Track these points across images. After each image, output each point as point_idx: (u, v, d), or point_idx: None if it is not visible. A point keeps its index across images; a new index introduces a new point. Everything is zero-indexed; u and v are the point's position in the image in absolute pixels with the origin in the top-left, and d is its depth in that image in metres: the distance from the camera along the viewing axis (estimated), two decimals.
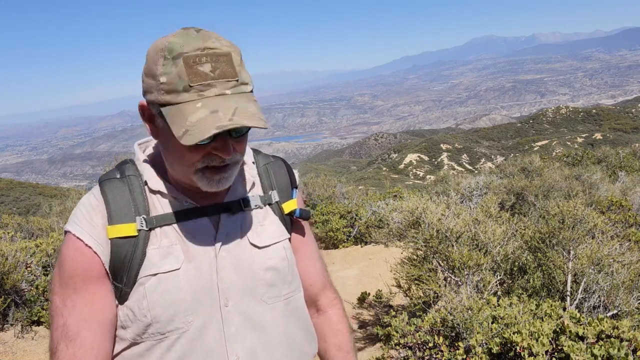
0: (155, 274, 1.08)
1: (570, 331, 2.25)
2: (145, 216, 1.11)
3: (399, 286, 4.62)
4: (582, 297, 3.55)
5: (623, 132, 72.58)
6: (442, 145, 77.52)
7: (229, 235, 1.16)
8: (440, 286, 3.83)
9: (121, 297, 1.10)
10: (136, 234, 1.09)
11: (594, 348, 2.10)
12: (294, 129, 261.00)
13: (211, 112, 0.97)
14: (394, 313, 3.47)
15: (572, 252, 3.78)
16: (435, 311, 3.20)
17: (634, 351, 2.12)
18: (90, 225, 1.09)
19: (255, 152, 1.35)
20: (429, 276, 4.09)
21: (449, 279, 4.00)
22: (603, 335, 2.22)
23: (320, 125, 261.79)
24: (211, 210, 1.17)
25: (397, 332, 2.99)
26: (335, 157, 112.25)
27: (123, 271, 1.09)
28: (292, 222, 1.30)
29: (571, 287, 3.65)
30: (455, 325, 2.86)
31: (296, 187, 1.33)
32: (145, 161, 1.19)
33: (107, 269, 1.09)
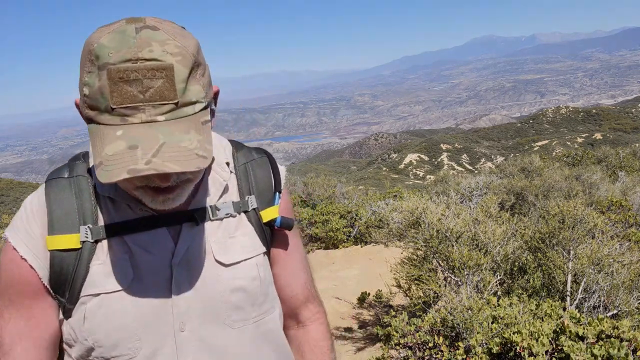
0: (98, 294, 0.95)
1: (570, 331, 2.25)
2: (90, 226, 0.96)
3: (399, 286, 4.62)
4: (582, 297, 3.55)
5: (623, 132, 72.57)
6: (442, 145, 77.52)
7: (190, 249, 0.99)
8: (440, 286, 3.83)
9: (65, 312, 0.98)
10: (79, 246, 0.95)
11: (594, 348, 2.10)
12: (294, 129, 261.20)
13: (129, 147, 0.80)
14: (394, 313, 3.47)
15: (572, 252, 3.78)
16: (435, 311, 3.20)
17: (634, 351, 2.12)
18: (27, 235, 0.96)
19: (236, 147, 1.15)
20: (429, 276, 4.09)
21: (449, 279, 4.00)
22: (603, 335, 2.22)
23: (320, 125, 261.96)
24: (171, 220, 0.99)
25: (397, 332, 2.99)
26: (335, 157, 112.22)
27: (65, 286, 0.95)
28: (272, 232, 1.13)
29: (571, 287, 3.65)
30: (455, 325, 2.86)
31: (280, 191, 1.13)
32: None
33: (47, 284, 0.96)
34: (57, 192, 0.98)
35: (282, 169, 1.17)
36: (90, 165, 1.01)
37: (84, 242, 0.95)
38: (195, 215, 1.01)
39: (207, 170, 1.07)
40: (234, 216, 1.06)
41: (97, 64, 0.82)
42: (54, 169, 1.05)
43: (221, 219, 1.05)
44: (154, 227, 0.98)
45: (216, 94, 0.98)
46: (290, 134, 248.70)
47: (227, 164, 1.10)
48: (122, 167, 0.79)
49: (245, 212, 1.08)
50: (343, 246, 8.36)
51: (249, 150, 1.16)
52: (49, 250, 0.95)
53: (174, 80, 0.83)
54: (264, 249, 1.10)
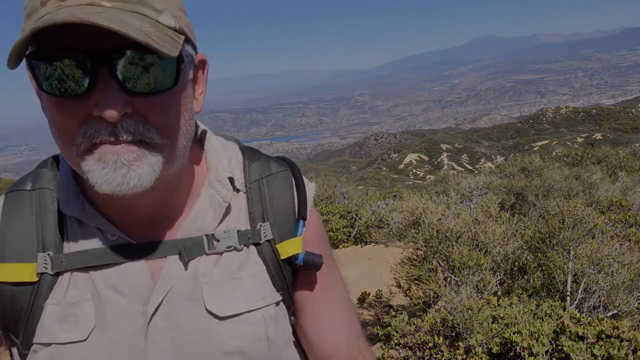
0: (49, 344, 0.73)
1: (570, 331, 2.25)
2: (51, 253, 0.74)
3: (399, 286, 4.62)
4: (582, 297, 3.55)
5: (623, 132, 72.65)
6: (442, 145, 77.56)
7: (174, 292, 0.75)
8: (440, 286, 3.83)
9: (21, 355, 0.78)
10: (36, 279, 0.73)
11: (594, 348, 2.10)
12: (294, 129, 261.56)
13: (55, 11, 0.60)
14: (394, 313, 3.47)
15: (572, 252, 3.78)
16: (435, 311, 3.20)
17: (634, 351, 2.12)
18: None
19: (250, 157, 0.87)
20: (429, 276, 4.09)
21: (449, 279, 4.00)
22: (603, 335, 2.22)
23: (320, 125, 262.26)
24: (152, 250, 0.75)
25: (397, 332, 2.99)
26: (335, 157, 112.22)
27: (19, 326, 0.75)
28: (296, 270, 0.86)
29: (571, 287, 3.65)
30: (455, 325, 2.86)
31: (305, 218, 0.85)
32: (65, 165, 0.79)
33: None
34: (13, 209, 0.77)
35: (311, 187, 0.89)
36: (59, 174, 0.80)
37: (42, 274, 0.74)
38: (183, 246, 0.76)
39: (201, 184, 0.83)
40: (240, 250, 0.80)
41: None
42: (19, 178, 0.84)
43: (220, 253, 0.79)
44: (128, 259, 0.74)
45: (203, 62, 0.77)
46: (290, 134, 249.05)
47: (231, 179, 0.82)
48: (35, 24, 0.59)
49: (257, 244, 0.81)
50: (343, 246, 8.36)
51: (266, 162, 0.87)
52: None
53: None
54: (277, 297, 0.82)
